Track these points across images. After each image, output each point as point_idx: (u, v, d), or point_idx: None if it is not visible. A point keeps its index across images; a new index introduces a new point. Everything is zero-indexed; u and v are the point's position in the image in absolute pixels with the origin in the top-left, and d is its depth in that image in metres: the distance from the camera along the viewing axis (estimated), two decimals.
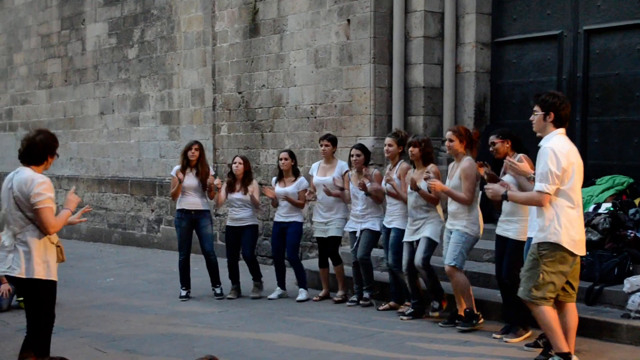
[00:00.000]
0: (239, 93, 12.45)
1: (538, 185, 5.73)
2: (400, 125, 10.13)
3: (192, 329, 7.84)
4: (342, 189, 8.85)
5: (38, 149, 5.55)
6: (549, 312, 5.86)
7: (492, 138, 7.18)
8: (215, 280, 9.51)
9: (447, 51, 10.19)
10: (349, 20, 10.61)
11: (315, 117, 11.22)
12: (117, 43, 15.05)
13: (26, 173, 5.48)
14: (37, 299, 5.54)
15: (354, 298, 8.81)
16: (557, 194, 5.73)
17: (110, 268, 12.10)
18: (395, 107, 10.29)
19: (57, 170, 16.72)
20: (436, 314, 7.98)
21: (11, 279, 5.69)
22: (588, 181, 8.45)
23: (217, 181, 9.40)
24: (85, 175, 16.09)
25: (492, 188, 6.32)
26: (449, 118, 10.15)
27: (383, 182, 8.40)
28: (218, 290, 9.46)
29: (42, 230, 5.46)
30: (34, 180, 5.41)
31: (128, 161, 14.99)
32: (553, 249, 5.75)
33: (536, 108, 5.92)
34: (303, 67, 11.37)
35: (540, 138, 5.95)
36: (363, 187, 8.44)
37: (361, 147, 8.75)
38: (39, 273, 5.46)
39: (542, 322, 5.91)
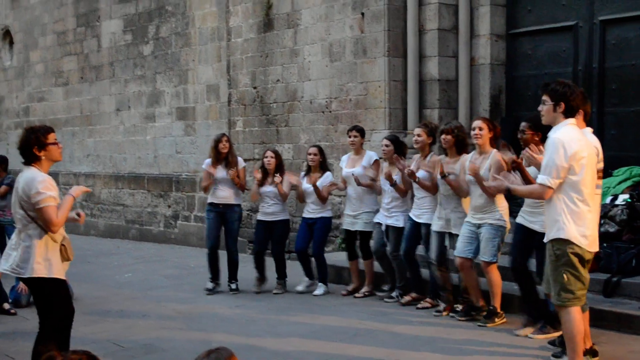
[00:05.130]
0: (254, 88, 12.45)
1: (541, 178, 5.46)
2: (415, 119, 10.11)
3: (208, 322, 7.87)
4: (373, 179, 8.82)
5: (21, 148, 5.52)
6: (576, 318, 5.55)
7: (524, 125, 6.91)
8: (232, 276, 9.53)
9: (461, 43, 10.13)
10: (363, 14, 10.58)
11: (330, 111, 11.21)
12: (132, 39, 15.10)
13: (27, 173, 5.46)
14: (43, 297, 5.53)
15: (386, 288, 8.85)
16: (564, 187, 5.44)
17: (128, 264, 12.14)
18: (410, 100, 10.26)
19: (75, 167, 16.82)
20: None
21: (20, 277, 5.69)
22: (605, 173, 8.37)
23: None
24: (102, 172, 16.16)
25: (495, 184, 6.09)
26: (464, 111, 10.10)
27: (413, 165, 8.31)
28: (234, 286, 9.48)
29: (46, 229, 5.40)
30: (34, 180, 5.37)
31: (144, 157, 15.04)
32: (565, 246, 5.49)
33: (545, 98, 5.61)
34: (317, 61, 11.36)
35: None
36: (389, 177, 8.35)
37: (391, 138, 8.68)
38: (39, 272, 5.40)
39: (566, 329, 5.64)
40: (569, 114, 5.56)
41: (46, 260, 5.42)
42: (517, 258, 7.13)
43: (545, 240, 5.67)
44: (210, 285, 9.48)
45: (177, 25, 13.99)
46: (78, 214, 5.80)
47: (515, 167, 6.87)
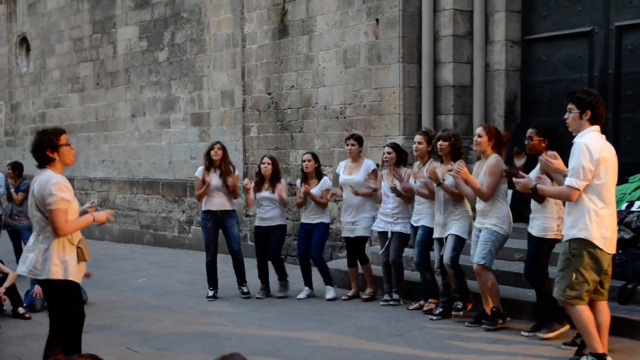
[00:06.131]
0: (269, 94, 12.47)
1: (569, 180, 5.71)
2: (430, 125, 10.08)
3: (222, 328, 7.87)
4: (375, 189, 8.87)
5: (34, 150, 5.52)
6: (584, 312, 5.80)
7: (531, 132, 7.05)
8: (241, 280, 9.56)
9: (476, 49, 10.12)
10: (377, 20, 10.58)
11: (345, 117, 11.20)
12: (147, 46, 15.16)
13: (42, 175, 5.46)
14: (56, 299, 5.51)
15: (387, 297, 8.80)
16: (589, 190, 5.69)
17: (142, 269, 12.19)
18: (425, 106, 10.24)
19: (90, 173, 16.90)
20: (460, 313, 7.89)
21: (36, 280, 5.69)
22: (620, 179, 8.31)
23: (245, 181, 9.46)
24: (117, 177, 16.22)
25: (522, 181, 6.27)
26: (479, 117, 10.07)
27: (411, 180, 8.40)
28: (245, 289, 9.50)
29: (54, 231, 5.38)
30: (49, 181, 5.37)
31: (159, 163, 15.10)
32: (584, 247, 5.70)
33: (571, 106, 5.85)
34: (332, 68, 11.37)
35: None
36: (394, 190, 8.44)
37: (393, 146, 8.73)
38: (56, 274, 5.38)
39: (578, 322, 5.86)
40: (594, 121, 5.82)
41: (63, 263, 5.41)
42: (533, 266, 7.15)
43: (564, 239, 5.88)
44: (211, 292, 9.48)
45: (192, 31, 14.04)
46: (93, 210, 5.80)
47: (509, 175, 6.90)
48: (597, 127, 5.82)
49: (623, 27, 9.23)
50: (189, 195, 14.21)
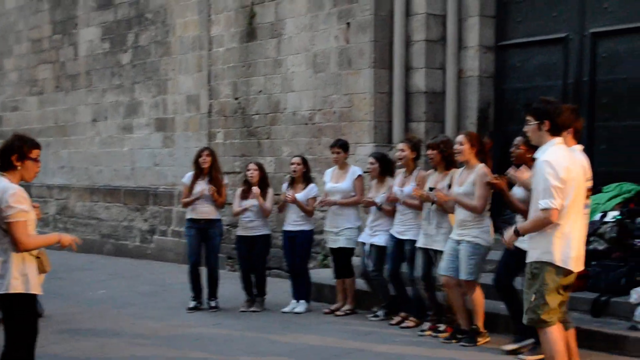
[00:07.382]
0: (236, 99, 12.21)
1: (542, 203, 5.23)
2: (401, 132, 9.89)
3: (184, 342, 7.63)
4: (353, 196, 8.66)
5: (1, 151, 5.32)
6: (552, 336, 5.40)
7: (519, 140, 6.82)
8: (212, 294, 9.28)
9: (449, 55, 9.92)
10: (348, 24, 10.38)
11: (314, 124, 10.98)
12: (110, 48, 14.82)
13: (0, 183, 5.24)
14: (15, 313, 5.26)
15: (375, 311, 8.55)
16: None
17: (102, 280, 11.89)
18: (396, 113, 10.03)
19: (48, 179, 16.48)
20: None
21: None
22: (595, 189, 8.16)
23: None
24: (77, 184, 15.85)
25: (506, 236, 5.75)
26: (451, 124, 9.88)
27: (395, 188, 8.12)
28: (213, 304, 9.21)
29: (14, 245, 5.17)
30: (6, 192, 5.14)
31: (121, 170, 14.74)
32: (545, 268, 5.33)
33: (529, 118, 5.46)
34: (301, 72, 11.14)
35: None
36: (371, 204, 8.22)
37: (377, 156, 8.48)
38: (16, 287, 5.17)
39: (544, 349, 5.51)
40: (554, 132, 5.40)
41: (23, 275, 5.21)
42: (502, 276, 7.01)
43: (527, 260, 5.50)
44: (192, 304, 9.19)
45: (157, 33, 13.74)
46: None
47: (492, 187, 6.71)
48: (559, 140, 5.40)
49: (598, 33, 9.09)
50: (151, 203, 13.89)
